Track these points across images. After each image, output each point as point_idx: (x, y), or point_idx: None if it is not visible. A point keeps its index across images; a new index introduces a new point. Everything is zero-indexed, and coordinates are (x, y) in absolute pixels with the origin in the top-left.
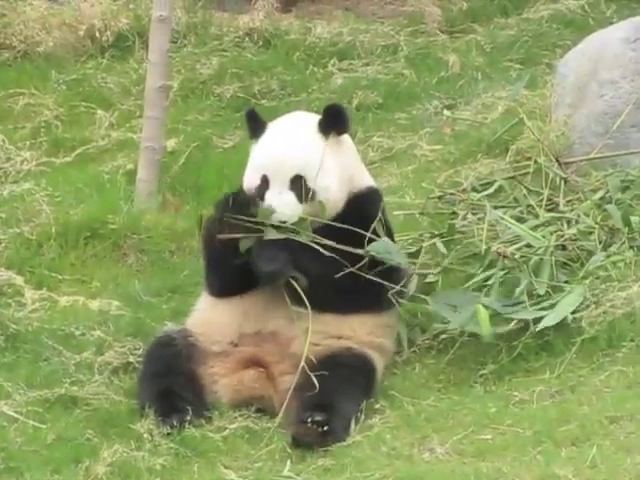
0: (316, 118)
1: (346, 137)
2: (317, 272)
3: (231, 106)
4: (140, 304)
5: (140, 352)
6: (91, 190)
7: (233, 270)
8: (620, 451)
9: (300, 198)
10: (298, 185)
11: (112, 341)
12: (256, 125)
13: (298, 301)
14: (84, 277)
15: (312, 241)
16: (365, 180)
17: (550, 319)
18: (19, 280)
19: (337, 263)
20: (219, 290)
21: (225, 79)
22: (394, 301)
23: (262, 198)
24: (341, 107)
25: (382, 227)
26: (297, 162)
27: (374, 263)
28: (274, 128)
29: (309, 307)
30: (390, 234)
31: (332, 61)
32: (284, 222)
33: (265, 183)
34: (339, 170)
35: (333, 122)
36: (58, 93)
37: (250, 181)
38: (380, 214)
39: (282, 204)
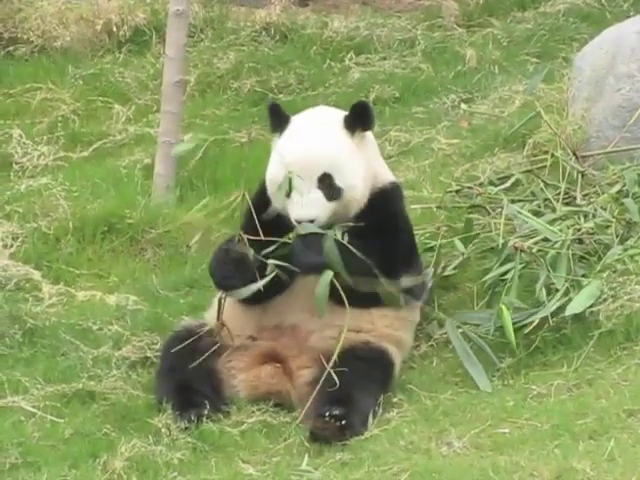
0: (341, 114)
1: (369, 134)
2: (354, 267)
3: (248, 101)
4: (157, 298)
5: (158, 347)
6: (108, 185)
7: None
8: (638, 444)
9: (328, 197)
10: (326, 183)
11: (130, 336)
12: (279, 119)
13: (331, 296)
14: (101, 272)
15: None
16: (386, 175)
17: (573, 308)
18: (36, 275)
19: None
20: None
21: (242, 74)
22: (414, 296)
23: (288, 195)
24: (368, 104)
25: (406, 221)
26: (325, 160)
27: (397, 260)
28: (299, 123)
29: (346, 303)
30: (410, 228)
31: (349, 55)
32: (312, 221)
33: (292, 181)
34: (364, 167)
35: (359, 119)
36: (75, 88)
37: (274, 177)
38: (401, 207)
39: (310, 202)
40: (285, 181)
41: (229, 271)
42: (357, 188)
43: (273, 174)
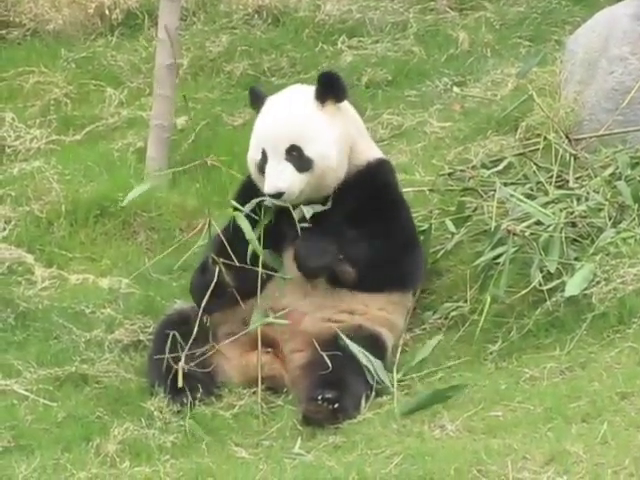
0: (314, 88)
1: (347, 107)
2: (362, 259)
3: (241, 84)
4: (150, 282)
5: (150, 330)
6: (101, 168)
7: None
8: (631, 427)
9: (298, 168)
10: (294, 155)
11: (122, 319)
12: (257, 100)
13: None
14: (94, 255)
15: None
16: (373, 152)
17: (570, 291)
18: (29, 258)
19: (369, 244)
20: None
21: (234, 57)
22: (412, 282)
23: (263, 172)
24: (335, 74)
25: (398, 197)
26: (291, 132)
27: (396, 242)
28: (271, 101)
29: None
30: (404, 202)
31: (341, 38)
32: (282, 194)
33: (264, 157)
34: (338, 138)
35: (328, 90)
36: (68, 71)
37: (252, 158)
38: (393, 182)
39: (279, 175)
40: (259, 157)
41: (205, 297)
42: (330, 158)
43: (251, 154)
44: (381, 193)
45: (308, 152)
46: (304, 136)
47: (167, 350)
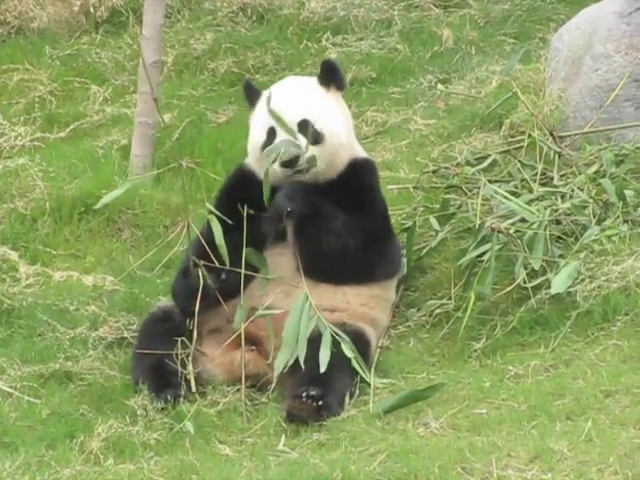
0: (314, 78)
1: (342, 101)
2: (331, 228)
3: (225, 81)
4: (134, 279)
5: (134, 327)
6: (85, 165)
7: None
8: (615, 425)
9: (310, 141)
10: (306, 128)
11: (106, 316)
12: (252, 94)
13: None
14: (78, 252)
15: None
16: (359, 151)
17: (556, 287)
18: (13, 255)
19: (342, 230)
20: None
21: (219, 54)
22: (388, 273)
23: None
24: (335, 62)
25: (376, 195)
26: (303, 106)
27: (370, 235)
28: (273, 88)
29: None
30: (385, 205)
31: (326, 36)
32: (297, 159)
33: (272, 135)
34: (344, 120)
35: (331, 76)
36: (52, 69)
37: (256, 141)
38: (374, 184)
39: (291, 142)
40: (264, 138)
41: (190, 299)
42: (340, 135)
43: (254, 138)
44: (361, 191)
45: (319, 126)
46: (315, 111)
47: (151, 347)
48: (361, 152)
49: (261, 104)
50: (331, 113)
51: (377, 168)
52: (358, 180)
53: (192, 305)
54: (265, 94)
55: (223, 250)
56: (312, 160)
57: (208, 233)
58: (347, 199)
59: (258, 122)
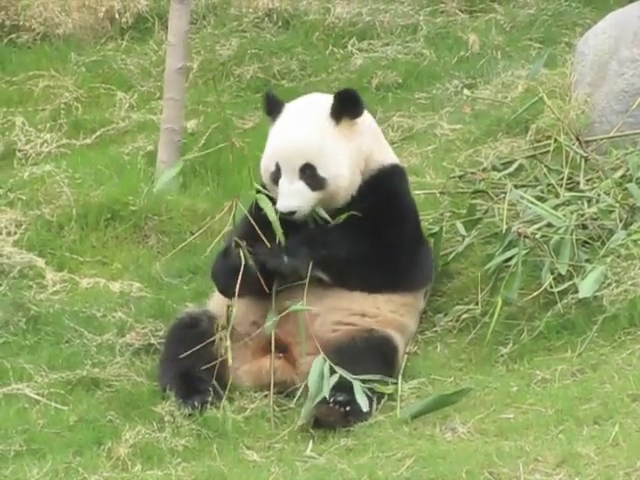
0: (330, 101)
1: (365, 116)
2: (343, 258)
3: (251, 87)
4: (161, 285)
5: (161, 333)
6: (111, 172)
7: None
8: None
9: (311, 187)
10: (308, 174)
11: (133, 322)
12: (273, 106)
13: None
14: (105, 259)
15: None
16: (386, 157)
17: (584, 292)
18: (40, 262)
19: (362, 244)
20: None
21: (245, 60)
22: (421, 281)
23: (276, 183)
24: (352, 92)
25: (406, 200)
26: (306, 151)
27: (402, 243)
28: (288, 111)
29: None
30: (414, 210)
31: (352, 41)
32: (294, 212)
33: (278, 171)
34: (352, 155)
35: (345, 107)
36: (78, 75)
37: (266, 167)
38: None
39: (292, 193)
40: (273, 169)
41: (230, 279)
42: (342, 177)
43: (265, 163)
44: (390, 197)
45: (322, 172)
46: (318, 156)
47: (178, 354)
48: (388, 158)
49: (277, 125)
50: (337, 154)
51: (406, 173)
52: (385, 187)
53: (232, 286)
54: (283, 113)
55: (276, 224)
56: (312, 208)
57: (256, 212)
58: (376, 207)
59: (269, 148)
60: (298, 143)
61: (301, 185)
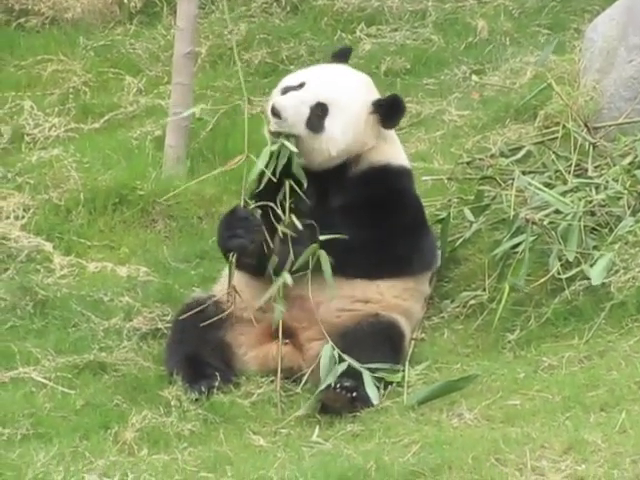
0: (377, 95)
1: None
2: (343, 244)
3: (259, 72)
4: (168, 270)
5: (168, 318)
6: (119, 156)
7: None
8: None
9: (310, 121)
10: (316, 113)
11: (140, 307)
12: (342, 55)
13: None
14: (112, 243)
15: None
16: (394, 157)
17: (594, 279)
18: (48, 246)
19: (361, 231)
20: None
21: (253, 45)
22: (423, 266)
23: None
24: (404, 107)
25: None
26: (337, 98)
27: (404, 230)
28: (352, 69)
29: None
30: (419, 202)
31: (360, 27)
32: (280, 116)
33: (300, 86)
34: (357, 140)
35: (387, 110)
36: (86, 59)
37: (291, 78)
38: (402, 187)
39: (294, 101)
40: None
41: (235, 229)
42: (336, 143)
43: (295, 76)
44: (391, 188)
45: (327, 122)
46: (340, 112)
47: (185, 338)
48: (395, 158)
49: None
50: (349, 126)
51: (412, 175)
52: (388, 179)
53: (232, 237)
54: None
55: (299, 171)
56: (293, 139)
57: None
58: (376, 195)
59: (306, 71)
60: (340, 87)
61: (306, 109)
